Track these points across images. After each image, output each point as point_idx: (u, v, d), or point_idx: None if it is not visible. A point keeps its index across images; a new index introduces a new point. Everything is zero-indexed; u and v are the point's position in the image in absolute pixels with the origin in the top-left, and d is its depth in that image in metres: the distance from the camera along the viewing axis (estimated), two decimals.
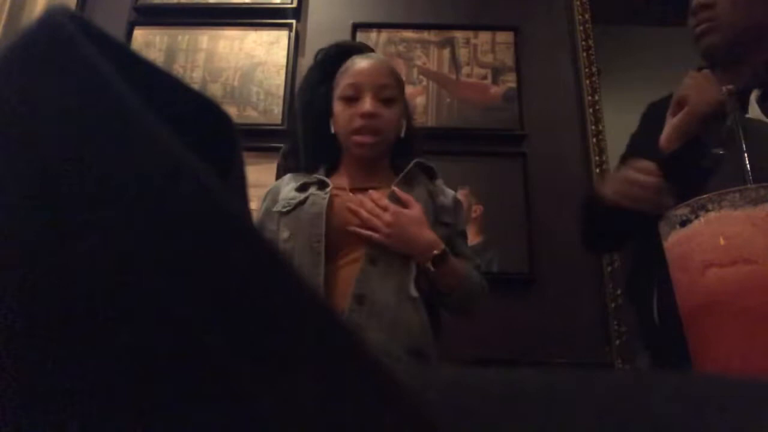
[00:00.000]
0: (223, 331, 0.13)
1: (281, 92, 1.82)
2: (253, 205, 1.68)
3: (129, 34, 1.90)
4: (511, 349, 1.58)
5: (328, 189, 1.07)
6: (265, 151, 1.64)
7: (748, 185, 0.35)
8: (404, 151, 1.16)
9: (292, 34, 1.89)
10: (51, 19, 0.15)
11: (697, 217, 0.35)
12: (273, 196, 1.15)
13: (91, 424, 0.12)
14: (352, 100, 1.08)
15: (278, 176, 1.25)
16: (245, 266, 0.13)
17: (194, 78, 1.86)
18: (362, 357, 0.14)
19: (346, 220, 1.03)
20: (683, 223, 0.36)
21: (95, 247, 0.13)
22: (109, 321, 0.13)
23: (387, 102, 1.09)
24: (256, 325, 0.13)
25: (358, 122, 1.06)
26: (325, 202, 1.04)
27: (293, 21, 1.90)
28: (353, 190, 1.10)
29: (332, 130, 1.13)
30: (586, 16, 1.95)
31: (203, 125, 0.19)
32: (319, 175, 1.12)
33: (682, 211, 0.36)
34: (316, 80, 1.18)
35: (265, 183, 1.71)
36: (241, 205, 0.20)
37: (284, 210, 1.08)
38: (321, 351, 0.14)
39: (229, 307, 0.13)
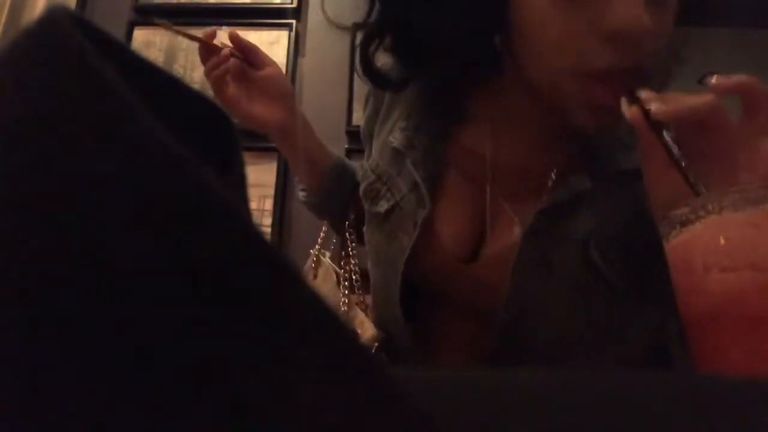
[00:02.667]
0: (221, 332, 0.13)
1: None
2: (253, 204, 1.68)
3: (129, 34, 1.90)
4: None
5: (419, 215, 0.56)
6: (265, 151, 1.64)
7: (749, 186, 0.35)
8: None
9: (292, 34, 1.88)
10: (51, 19, 0.14)
11: (697, 217, 0.35)
12: (370, 118, 0.68)
13: (91, 427, 0.12)
14: None
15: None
16: (245, 268, 0.13)
17: (194, 78, 1.85)
18: (362, 358, 0.14)
19: (447, 288, 0.57)
20: (683, 224, 0.36)
21: (93, 249, 0.13)
22: (107, 323, 0.13)
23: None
24: (255, 327, 0.13)
25: (604, 56, 0.44)
26: (409, 242, 0.56)
27: (293, 21, 1.90)
28: (503, 192, 0.55)
29: (496, 41, 0.50)
30: None
31: (203, 125, 0.19)
32: (411, 162, 0.57)
33: (682, 210, 0.36)
34: None
35: (265, 183, 1.71)
36: (242, 206, 0.20)
37: (364, 201, 0.64)
38: (321, 352, 0.14)
39: (229, 308, 0.13)
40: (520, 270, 0.51)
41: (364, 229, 0.67)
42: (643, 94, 0.43)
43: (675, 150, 0.41)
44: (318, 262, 0.80)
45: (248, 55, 0.71)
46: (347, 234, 0.75)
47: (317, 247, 0.82)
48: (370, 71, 0.61)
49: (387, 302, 0.60)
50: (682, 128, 0.42)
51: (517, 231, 0.53)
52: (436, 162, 0.59)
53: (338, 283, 0.75)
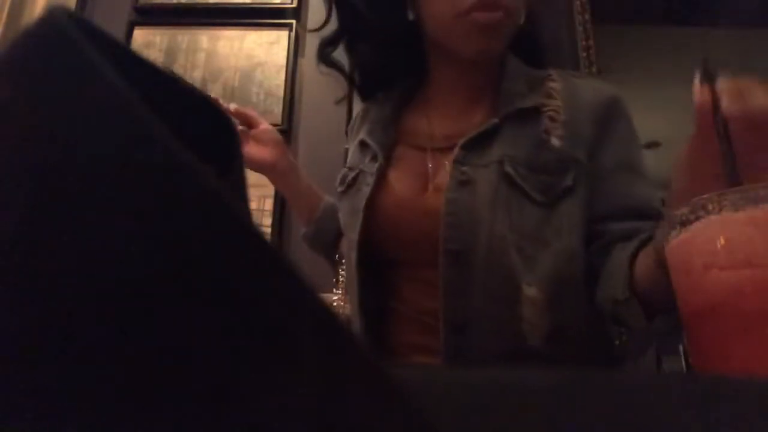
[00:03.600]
0: (222, 332, 0.13)
1: (281, 92, 1.82)
2: (253, 205, 1.68)
3: (129, 34, 1.90)
4: None
5: (376, 165, 0.73)
6: None
7: (749, 185, 0.35)
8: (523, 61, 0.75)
9: (292, 34, 1.88)
10: (51, 19, 0.15)
11: (697, 217, 0.35)
12: (352, 136, 0.86)
13: (89, 427, 0.12)
14: None
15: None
16: (245, 268, 0.13)
17: (194, 78, 1.85)
18: (361, 358, 0.14)
19: (400, 223, 0.69)
20: (683, 224, 0.36)
21: (93, 249, 0.13)
22: (107, 322, 0.13)
23: None
24: (255, 327, 0.13)
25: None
26: (368, 191, 0.71)
27: (293, 21, 1.90)
28: (439, 148, 0.72)
29: (410, 17, 0.73)
30: (586, 16, 1.95)
31: (203, 125, 0.19)
32: (383, 123, 0.76)
33: (682, 211, 0.36)
34: None
35: (265, 183, 1.71)
36: (241, 206, 0.20)
37: (339, 189, 0.80)
38: (320, 352, 0.14)
39: (229, 308, 0.13)
40: (452, 191, 0.65)
41: (339, 215, 0.81)
42: (721, 83, 0.41)
43: (727, 145, 0.38)
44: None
45: (246, 119, 0.88)
46: (340, 263, 0.92)
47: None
48: (327, 60, 0.85)
49: (349, 269, 0.73)
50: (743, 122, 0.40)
51: (441, 176, 0.69)
52: (388, 137, 0.76)
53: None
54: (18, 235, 0.13)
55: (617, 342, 1.61)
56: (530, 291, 0.61)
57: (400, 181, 0.71)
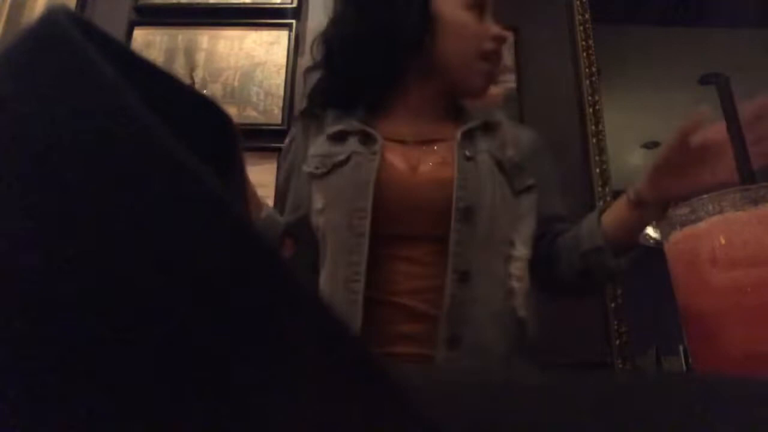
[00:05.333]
0: (222, 332, 0.13)
1: (281, 92, 1.82)
2: None
3: (129, 34, 1.90)
4: None
5: (376, 146, 0.80)
6: (265, 151, 1.64)
7: (748, 186, 0.35)
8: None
9: (292, 34, 1.88)
10: (51, 19, 0.15)
11: (697, 218, 0.35)
12: (297, 148, 0.91)
13: (90, 425, 0.12)
14: (477, 10, 0.83)
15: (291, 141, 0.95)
16: (245, 268, 0.13)
17: (194, 78, 1.85)
18: (362, 357, 0.14)
19: (408, 191, 0.78)
20: (683, 224, 0.36)
21: (93, 246, 0.13)
22: (109, 323, 0.13)
23: None
24: (255, 326, 0.13)
25: (489, 44, 0.83)
26: (375, 165, 0.78)
27: (293, 21, 1.90)
28: (419, 142, 0.84)
29: (426, 41, 0.84)
30: (586, 16, 1.95)
31: (203, 125, 0.19)
32: (359, 123, 0.84)
33: (683, 211, 0.36)
34: None
35: (265, 183, 1.70)
36: (242, 206, 0.20)
37: (317, 172, 0.83)
38: (321, 351, 0.14)
39: (230, 308, 0.13)
40: (461, 164, 0.79)
41: (317, 195, 0.84)
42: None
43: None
44: None
45: None
46: None
47: None
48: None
49: (349, 239, 0.76)
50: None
51: (433, 159, 0.82)
52: (370, 129, 0.85)
53: None
54: (19, 229, 0.13)
55: (617, 341, 1.61)
56: (521, 247, 0.79)
57: (395, 160, 0.81)
